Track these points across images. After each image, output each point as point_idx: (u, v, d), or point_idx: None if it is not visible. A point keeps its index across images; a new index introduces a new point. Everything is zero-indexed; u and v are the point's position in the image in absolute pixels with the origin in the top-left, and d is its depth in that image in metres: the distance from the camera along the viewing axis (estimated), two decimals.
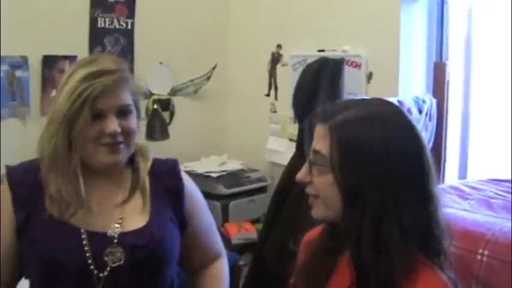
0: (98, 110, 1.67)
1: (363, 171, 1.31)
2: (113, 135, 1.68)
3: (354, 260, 1.38)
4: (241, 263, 1.99)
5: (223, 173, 3.86)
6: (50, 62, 3.46)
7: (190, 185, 1.93)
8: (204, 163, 4.01)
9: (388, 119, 1.37)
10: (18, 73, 3.30)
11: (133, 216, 1.76)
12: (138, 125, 1.81)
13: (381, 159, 1.30)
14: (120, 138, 1.71)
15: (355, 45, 3.53)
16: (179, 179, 1.89)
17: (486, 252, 2.18)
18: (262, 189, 3.98)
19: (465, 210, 2.59)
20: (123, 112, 1.72)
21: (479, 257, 2.18)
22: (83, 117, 1.65)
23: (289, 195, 3.03)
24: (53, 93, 3.50)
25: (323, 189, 1.37)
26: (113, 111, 1.69)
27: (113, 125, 1.68)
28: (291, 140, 3.83)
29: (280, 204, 3.11)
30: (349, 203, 1.33)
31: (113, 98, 1.70)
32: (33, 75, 3.39)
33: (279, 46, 4.05)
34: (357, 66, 3.50)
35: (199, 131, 4.21)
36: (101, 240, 1.69)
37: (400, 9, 3.36)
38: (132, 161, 1.84)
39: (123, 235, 1.70)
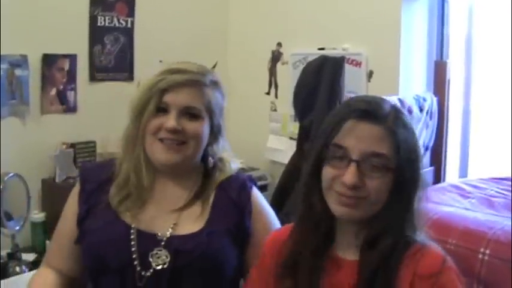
0: (163, 104, 1.69)
1: (415, 167, 1.43)
2: (170, 131, 1.68)
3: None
4: None
5: None
6: (49, 61, 3.45)
7: (259, 206, 1.84)
8: None
9: (410, 120, 1.48)
10: (18, 72, 3.29)
11: (187, 222, 1.73)
12: (219, 140, 1.84)
13: (419, 156, 1.46)
14: (179, 138, 1.69)
15: (355, 43, 3.53)
16: (248, 198, 1.81)
17: (487, 251, 2.18)
18: (262, 188, 3.93)
19: (466, 208, 2.58)
20: (190, 114, 1.71)
21: (480, 255, 2.18)
22: (149, 108, 1.69)
23: (289, 194, 3.03)
24: (53, 91, 3.50)
25: (379, 189, 1.38)
26: (177, 108, 1.69)
27: (173, 121, 1.68)
28: (291, 138, 3.82)
29: (280, 203, 3.10)
30: (397, 198, 1.40)
31: (181, 95, 1.71)
32: (33, 74, 3.39)
33: (279, 44, 4.05)
34: (358, 64, 3.50)
35: None
36: (149, 240, 1.68)
37: (400, 7, 3.35)
38: (207, 171, 1.83)
39: (171, 238, 1.68)
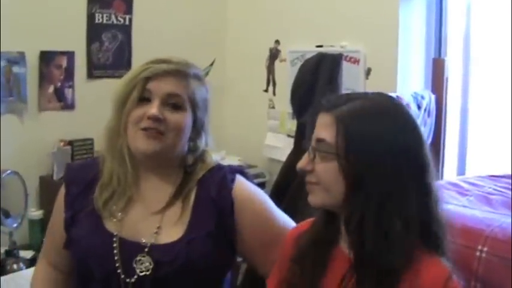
0: (146, 92, 1.68)
1: (367, 160, 1.36)
2: (152, 119, 1.65)
3: (354, 248, 1.39)
4: (239, 259, 1.96)
5: None
6: (47, 58, 3.45)
7: (244, 199, 1.78)
8: None
9: (391, 112, 1.43)
10: (16, 69, 3.30)
11: (169, 226, 1.71)
12: (202, 137, 1.82)
13: (384, 150, 1.36)
14: (161, 127, 1.66)
15: (353, 40, 3.53)
16: (228, 195, 1.75)
17: (485, 249, 2.17)
18: (260, 185, 3.92)
19: (464, 206, 2.58)
20: (173, 105, 1.69)
21: (478, 253, 2.18)
22: (132, 97, 1.68)
23: (287, 191, 3.03)
24: (51, 89, 3.49)
25: (325, 175, 1.40)
26: (160, 96, 1.67)
27: (155, 109, 1.65)
28: (289, 136, 3.82)
29: (278, 200, 3.10)
30: (353, 190, 1.37)
31: (164, 83, 1.69)
32: (31, 71, 3.39)
33: (277, 42, 4.05)
34: (355, 61, 3.50)
35: None
36: (132, 248, 1.67)
37: (398, 4, 3.35)
38: (187, 165, 1.80)
39: (153, 247, 1.67)
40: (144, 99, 1.68)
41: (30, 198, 3.24)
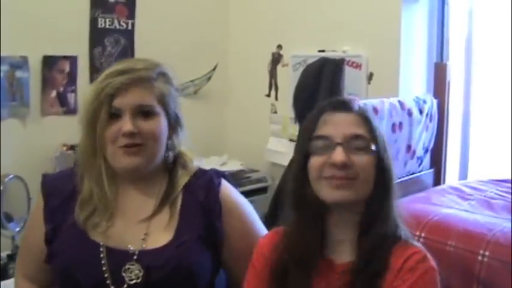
0: (114, 109, 1.63)
1: (390, 156, 1.51)
2: (127, 136, 1.62)
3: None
4: None
5: None
6: (50, 63, 3.46)
7: (231, 203, 1.78)
8: (204, 164, 4.00)
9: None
10: (19, 73, 3.30)
11: (157, 232, 1.68)
12: (178, 132, 1.77)
13: (386, 141, 1.54)
14: (138, 140, 1.63)
15: (355, 45, 3.53)
16: (216, 198, 1.74)
17: (487, 253, 2.18)
18: (262, 190, 3.98)
19: (466, 210, 2.59)
20: (143, 113, 1.65)
21: (480, 257, 2.18)
22: (102, 118, 1.63)
23: None
24: (53, 93, 3.50)
25: (365, 168, 1.45)
26: (130, 110, 1.63)
27: (127, 125, 1.61)
28: (291, 140, 3.82)
29: (280, 205, 3.10)
30: (381, 180, 1.47)
31: (130, 96, 1.64)
32: (33, 76, 3.39)
33: (279, 46, 4.06)
34: (358, 66, 3.50)
35: (199, 131, 4.18)
36: (120, 256, 1.64)
37: (400, 9, 3.35)
38: (170, 171, 1.78)
39: (142, 253, 1.64)
40: (114, 115, 1.64)
41: (33, 202, 3.24)
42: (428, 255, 1.45)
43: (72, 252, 1.67)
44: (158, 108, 1.68)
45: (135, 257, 1.64)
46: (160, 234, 1.68)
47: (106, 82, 1.65)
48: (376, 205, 1.46)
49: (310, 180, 1.49)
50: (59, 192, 1.76)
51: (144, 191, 1.74)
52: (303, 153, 1.51)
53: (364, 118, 1.50)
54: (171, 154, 1.77)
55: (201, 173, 1.81)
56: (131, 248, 1.65)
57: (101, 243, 1.66)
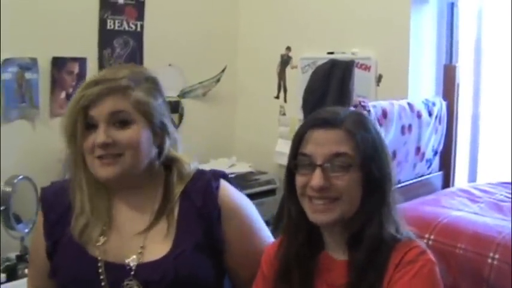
0: (90, 120, 1.63)
1: (381, 165, 1.50)
2: (101, 147, 1.61)
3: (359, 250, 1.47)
4: None
5: (232, 175, 3.84)
6: (59, 64, 3.46)
7: (230, 207, 1.75)
8: (213, 165, 4.00)
9: (371, 120, 1.62)
10: (28, 75, 3.30)
11: (154, 244, 1.67)
12: (166, 141, 1.73)
13: (383, 153, 1.54)
14: (115, 150, 1.62)
15: (364, 47, 3.53)
16: (214, 202, 1.72)
17: (496, 256, 2.17)
18: (271, 192, 3.97)
19: (475, 213, 2.57)
20: (120, 122, 1.63)
21: (489, 260, 2.17)
22: (79, 130, 1.63)
23: None
24: (62, 95, 3.51)
25: (348, 187, 1.46)
26: (104, 120, 1.62)
27: (100, 136, 1.60)
28: None
29: None
30: (371, 194, 1.48)
31: (104, 106, 1.62)
32: (43, 77, 3.40)
33: (288, 48, 4.05)
34: (367, 68, 3.49)
35: (208, 133, 4.21)
36: (118, 271, 1.63)
37: (410, 11, 3.35)
38: (166, 178, 1.76)
39: (139, 267, 1.63)
40: (92, 126, 1.63)
41: None
42: (428, 251, 1.48)
43: (71, 269, 1.67)
44: (135, 116, 1.65)
45: (132, 273, 1.63)
46: (157, 246, 1.67)
47: (82, 93, 1.65)
48: (363, 215, 1.48)
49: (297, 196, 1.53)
50: (57, 205, 1.75)
51: (138, 202, 1.73)
52: (289, 169, 1.55)
53: (349, 133, 1.48)
54: (157, 162, 1.73)
55: (198, 175, 1.78)
56: (128, 263, 1.64)
57: (99, 258, 1.66)
